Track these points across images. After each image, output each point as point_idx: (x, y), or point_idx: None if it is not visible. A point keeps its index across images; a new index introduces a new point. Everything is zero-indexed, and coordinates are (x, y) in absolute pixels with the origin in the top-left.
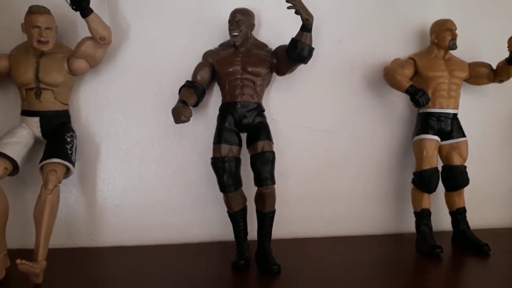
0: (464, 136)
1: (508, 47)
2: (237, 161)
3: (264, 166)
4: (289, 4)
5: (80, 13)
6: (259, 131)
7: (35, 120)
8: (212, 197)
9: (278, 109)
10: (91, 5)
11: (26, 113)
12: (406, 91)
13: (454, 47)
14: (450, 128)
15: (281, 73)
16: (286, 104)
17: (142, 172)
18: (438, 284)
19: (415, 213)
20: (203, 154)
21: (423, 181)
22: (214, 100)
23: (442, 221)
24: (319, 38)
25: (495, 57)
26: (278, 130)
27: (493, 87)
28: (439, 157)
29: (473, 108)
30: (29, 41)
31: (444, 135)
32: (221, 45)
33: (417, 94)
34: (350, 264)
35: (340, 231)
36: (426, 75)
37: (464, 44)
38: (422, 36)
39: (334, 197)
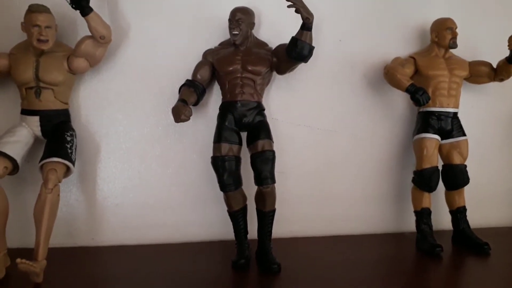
0: (464, 135)
1: (508, 45)
2: (237, 160)
3: (264, 165)
4: (289, 3)
5: (80, 12)
6: (259, 130)
7: (35, 119)
8: (212, 196)
9: (278, 108)
10: (91, 4)
11: (26, 112)
12: (407, 90)
13: (454, 46)
14: (451, 127)
15: (281, 72)
16: (286, 103)
17: (142, 171)
18: (438, 283)
19: (416, 212)
20: (203, 153)
21: (423, 180)
22: (214, 99)
23: (442, 220)
24: (319, 37)
25: (495, 56)
26: (278, 129)
27: (493, 86)
28: (439, 156)
29: (474, 107)
30: (29, 40)
31: (445, 134)
32: (221, 44)
33: (417, 93)
34: (350, 264)
35: (340, 230)
36: (426, 74)
37: (464, 43)
38: (422, 35)
39: (334, 196)
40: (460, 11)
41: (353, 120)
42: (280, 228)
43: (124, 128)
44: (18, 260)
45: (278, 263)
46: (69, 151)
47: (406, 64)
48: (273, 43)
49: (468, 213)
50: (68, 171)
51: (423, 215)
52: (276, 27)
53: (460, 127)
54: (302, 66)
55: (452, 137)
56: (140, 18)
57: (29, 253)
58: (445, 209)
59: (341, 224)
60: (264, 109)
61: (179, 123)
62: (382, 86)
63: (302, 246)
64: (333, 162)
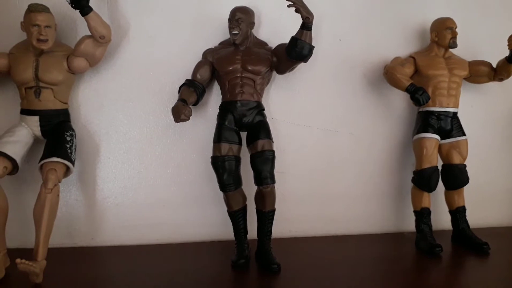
0: (464, 135)
1: (508, 45)
2: (237, 160)
3: (264, 165)
4: (289, 3)
5: (80, 12)
6: (259, 129)
7: (35, 119)
8: (212, 196)
9: (278, 107)
10: (91, 4)
11: (25, 112)
12: (406, 90)
13: (454, 45)
14: (450, 126)
15: (281, 71)
16: (286, 103)
17: (142, 171)
18: (437, 283)
19: (415, 212)
20: (203, 153)
21: (423, 180)
22: (214, 98)
23: (441, 220)
24: (319, 37)
25: (495, 56)
26: (278, 129)
27: (493, 85)
28: (439, 156)
29: (473, 106)
30: (29, 39)
31: (444, 134)
32: (221, 44)
33: (417, 93)
34: (350, 263)
35: (340, 230)
36: (426, 73)
37: (464, 43)
38: (422, 34)
39: (334, 196)
40: (460, 11)
41: (353, 120)
42: (280, 228)
43: (124, 127)
44: (18, 260)
45: (277, 263)
46: (69, 151)
47: (405, 63)
48: (273, 43)
49: (467, 213)
50: (67, 171)
51: (422, 215)
52: (276, 26)
53: (460, 127)
54: (302, 66)
55: (451, 137)
56: (140, 17)
57: (28, 253)
58: (445, 209)
59: (340, 224)
60: (264, 109)
61: (179, 123)
62: (382, 86)
63: (302, 246)
64: (332, 162)
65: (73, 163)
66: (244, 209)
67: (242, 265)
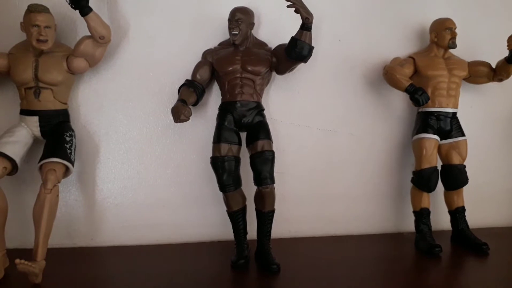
0: (463, 135)
1: (507, 46)
2: (237, 160)
3: (263, 165)
4: (289, 3)
5: (80, 12)
6: (258, 130)
7: (34, 120)
8: (211, 196)
9: (278, 108)
10: (91, 4)
11: (25, 112)
12: (406, 90)
13: (453, 46)
14: (450, 127)
15: (280, 72)
16: (285, 103)
17: (142, 171)
18: (437, 283)
19: (415, 212)
20: (202, 153)
21: (423, 180)
22: (214, 99)
23: (441, 220)
24: (319, 37)
25: (495, 56)
26: (278, 129)
27: (492, 86)
28: (438, 156)
29: (473, 107)
30: (28, 40)
31: (444, 134)
32: (221, 44)
33: (416, 93)
34: (349, 263)
35: (340, 230)
36: (425, 74)
37: (463, 43)
38: (421, 35)
39: (333, 196)
40: (460, 10)
41: (352, 120)
42: (280, 229)
43: (124, 128)
44: (17, 260)
45: (277, 263)
46: (68, 151)
47: (405, 64)
48: (273, 43)
49: (467, 213)
50: (67, 171)
51: (422, 215)
52: (275, 27)
53: (459, 127)
54: (301, 66)
55: (451, 137)
56: (140, 18)
57: (28, 254)
58: (444, 209)
59: (340, 224)
60: (263, 109)
61: (178, 123)
62: (381, 86)
63: (301, 246)
64: (332, 162)
65: (72, 163)
66: (243, 210)
67: (242, 265)
